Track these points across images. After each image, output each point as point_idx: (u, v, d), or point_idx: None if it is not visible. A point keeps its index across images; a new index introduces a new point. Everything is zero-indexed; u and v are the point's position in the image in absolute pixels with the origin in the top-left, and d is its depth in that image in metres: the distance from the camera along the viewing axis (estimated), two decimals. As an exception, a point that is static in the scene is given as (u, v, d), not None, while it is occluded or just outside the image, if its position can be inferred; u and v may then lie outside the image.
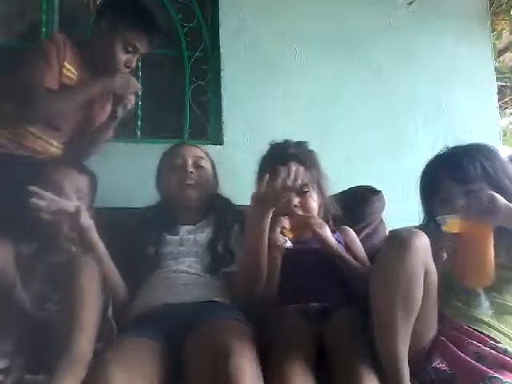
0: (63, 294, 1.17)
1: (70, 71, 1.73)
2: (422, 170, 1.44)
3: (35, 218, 1.32)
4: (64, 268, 1.21)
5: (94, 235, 1.38)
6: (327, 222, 1.53)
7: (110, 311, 1.27)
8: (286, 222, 1.37)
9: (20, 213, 1.35)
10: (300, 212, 1.46)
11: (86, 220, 1.37)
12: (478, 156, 1.33)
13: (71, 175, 1.51)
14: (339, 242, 1.50)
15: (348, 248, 1.51)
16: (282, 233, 1.36)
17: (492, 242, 1.20)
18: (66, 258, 1.26)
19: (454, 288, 1.25)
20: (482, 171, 1.31)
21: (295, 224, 1.39)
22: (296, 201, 1.46)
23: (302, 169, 1.39)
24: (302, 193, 1.47)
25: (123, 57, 1.78)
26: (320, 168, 1.56)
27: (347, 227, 1.57)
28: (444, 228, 1.19)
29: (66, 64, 1.72)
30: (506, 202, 1.16)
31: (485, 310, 1.23)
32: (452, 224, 1.19)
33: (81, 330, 1.09)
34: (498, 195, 1.18)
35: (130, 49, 1.78)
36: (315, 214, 1.50)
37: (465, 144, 1.40)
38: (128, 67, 1.81)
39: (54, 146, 1.78)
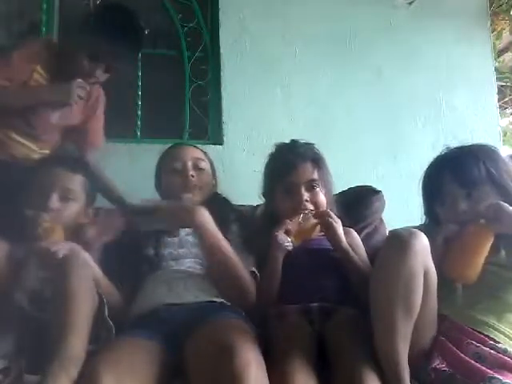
0: (56, 293, 1.16)
1: (42, 76, 1.68)
2: (424, 170, 1.43)
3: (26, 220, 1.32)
4: (57, 267, 1.20)
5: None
6: None
7: (107, 311, 1.26)
8: (291, 225, 1.39)
9: (12, 214, 1.34)
10: (310, 207, 1.47)
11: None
12: (482, 157, 1.33)
13: (62, 177, 1.47)
14: None
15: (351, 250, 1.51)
16: (286, 233, 1.38)
17: (490, 244, 1.20)
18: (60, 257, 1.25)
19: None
20: (485, 173, 1.31)
21: (302, 229, 1.40)
22: (306, 195, 1.47)
23: (310, 166, 1.49)
24: (311, 188, 1.49)
25: (86, 64, 1.67)
26: (327, 168, 1.57)
27: (351, 229, 1.58)
28: None
29: (38, 68, 1.67)
30: (510, 210, 1.17)
31: (458, 301, 1.25)
32: None
33: (73, 330, 1.09)
34: (504, 204, 1.19)
35: (94, 57, 1.67)
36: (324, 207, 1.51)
37: (468, 144, 1.40)
38: (89, 76, 1.70)
39: (36, 153, 1.74)
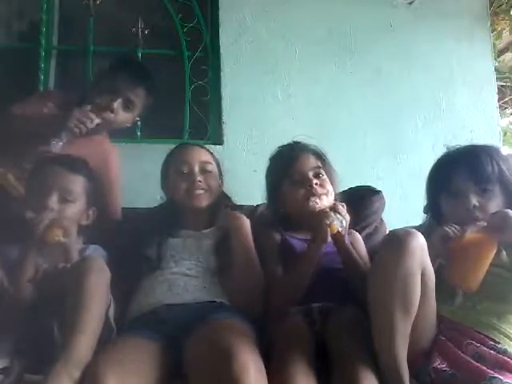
0: (69, 294, 1.15)
1: None
2: (433, 164, 1.43)
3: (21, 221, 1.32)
4: (72, 269, 1.20)
5: None
6: None
7: (111, 311, 1.26)
8: (332, 218, 1.37)
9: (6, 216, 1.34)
10: (320, 191, 1.46)
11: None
12: (495, 156, 1.34)
13: (62, 177, 1.46)
14: None
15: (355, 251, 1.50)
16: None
17: (493, 254, 1.20)
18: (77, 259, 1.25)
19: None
20: (498, 172, 1.31)
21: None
22: (315, 181, 1.48)
23: (313, 157, 1.51)
24: (318, 176, 1.49)
25: (102, 95, 1.73)
26: (331, 165, 1.57)
27: (354, 231, 1.58)
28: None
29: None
30: None
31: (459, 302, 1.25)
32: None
33: (82, 334, 1.09)
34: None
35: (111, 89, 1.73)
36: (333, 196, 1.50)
37: (477, 144, 1.40)
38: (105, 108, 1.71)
39: None
